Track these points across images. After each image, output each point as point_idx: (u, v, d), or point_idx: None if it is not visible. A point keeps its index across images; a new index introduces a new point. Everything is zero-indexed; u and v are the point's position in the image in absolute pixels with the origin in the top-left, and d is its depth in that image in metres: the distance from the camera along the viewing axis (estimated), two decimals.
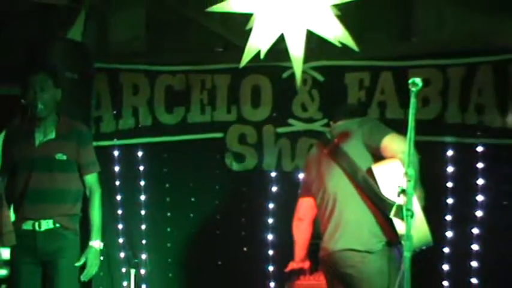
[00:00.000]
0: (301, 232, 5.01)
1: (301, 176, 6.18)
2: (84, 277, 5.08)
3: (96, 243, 5.14)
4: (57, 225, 5.05)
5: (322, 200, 4.84)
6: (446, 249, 6.27)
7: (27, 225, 5.04)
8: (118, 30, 7.08)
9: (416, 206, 4.16)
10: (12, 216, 5.26)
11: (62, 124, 5.17)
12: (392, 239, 4.44)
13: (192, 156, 6.98)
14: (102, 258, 5.84)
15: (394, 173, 4.36)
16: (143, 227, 6.92)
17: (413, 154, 4.01)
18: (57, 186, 5.08)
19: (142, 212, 6.92)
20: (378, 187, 4.50)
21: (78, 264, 5.05)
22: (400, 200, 3.96)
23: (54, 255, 5.03)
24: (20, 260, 5.05)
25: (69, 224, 5.09)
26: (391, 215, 4.21)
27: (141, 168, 6.97)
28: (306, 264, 5.00)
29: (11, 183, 5.17)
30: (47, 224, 5.03)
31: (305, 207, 5.04)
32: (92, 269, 5.10)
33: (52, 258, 5.03)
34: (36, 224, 5.02)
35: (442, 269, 6.36)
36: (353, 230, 4.61)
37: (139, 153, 6.95)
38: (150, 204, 6.98)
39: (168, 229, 6.99)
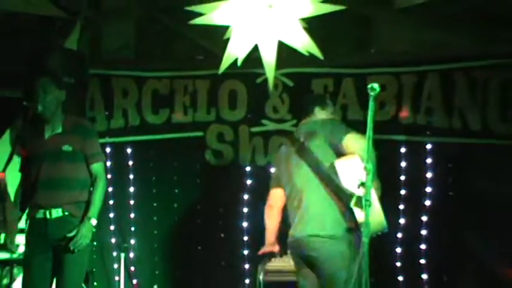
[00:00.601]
0: (271, 219, 5.08)
1: (272, 169, 6.21)
2: (72, 245, 4.91)
3: (92, 220, 5.03)
4: (66, 213, 4.99)
5: (291, 192, 4.89)
6: (399, 234, 6.46)
7: (40, 214, 4.99)
8: (110, 40, 7.13)
9: (374, 197, 4.24)
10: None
11: (68, 121, 5.14)
12: (353, 226, 4.49)
13: (176, 153, 7.09)
14: (95, 243, 5.95)
15: (354, 168, 4.41)
16: (132, 215, 7.03)
17: (371, 151, 4.06)
18: (65, 175, 5.03)
19: (131, 202, 7.02)
20: (340, 180, 4.53)
21: (69, 235, 4.92)
22: (360, 192, 4.05)
23: (64, 241, 4.93)
24: (33, 246, 5.03)
25: (76, 211, 5.02)
26: (351, 204, 4.32)
27: (130, 163, 7.07)
28: (276, 248, 5.06)
29: (25, 176, 5.17)
30: (56, 213, 4.98)
31: (275, 198, 5.07)
32: (82, 240, 4.94)
33: (61, 243, 4.94)
34: (47, 212, 4.97)
35: (396, 252, 6.53)
36: (317, 218, 4.66)
37: (129, 150, 7.06)
38: (138, 195, 7.07)
39: (154, 218, 7.07)
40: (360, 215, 4.26)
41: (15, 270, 6.09)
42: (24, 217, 5.28)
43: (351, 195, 4.39)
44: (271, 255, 5.24)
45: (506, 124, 6.46)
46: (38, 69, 5.94)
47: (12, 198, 5.26)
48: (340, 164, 4.59)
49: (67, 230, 4.93)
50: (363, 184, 4.01)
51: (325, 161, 4.72)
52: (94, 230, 5.07)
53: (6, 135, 6.70)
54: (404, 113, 6.70)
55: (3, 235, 5.96)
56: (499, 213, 6.22)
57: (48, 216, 4.96)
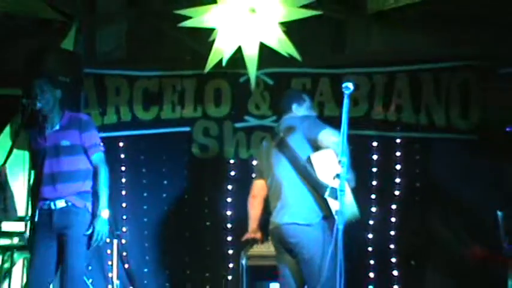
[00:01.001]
0: (254, 208, 5.17)
1: (254, 162, 6.33)
2: (94, 243, 4.99)
3: (103, 213, 5.05)
4: (69, 203, 5.01)
5: (271, 183, 4.95)
6: (371, 222, 6.61)
7: (45, 205, 5.03)
8: (103, 42, 7.19)
9: (347, 188, 4.29)
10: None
11: (65, 117, 5.14)
12: (328, 214, 4.56)
13: (165, 146, 7.14)
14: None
15: (329, 161, 4.54)
16: (124, 204, 7.07)
17: (345, 145, 4.19)
18: (66, 168, 5.05)
19: (123, 192, 7.07)
20: (315, 172, 4.63)
21: (87, 233, 4.96)
22: (336, 183, 4.18)
23: (67, 229, 4.98)
24: (39, 234, 5.07)
25: (79, 202, 5.03)
26: (326, 195, 4.43)
27: (122, 156, 7.11)
28: (258, 235, 5.16)
29: (34, 172, 5.25)
30: (60, 203, 5.00)
31: (258, 188, 5.14)
32: (99, 236, 5.01)
33: (65, 232, 4.99)
34: (52, 203, 5.00)
35: (368, 237, 6.66)
36: (296, 207, 4.74)
37: (121, 144, 7.10)
38: (129, 185, 7.11)
39: (145, 207, 7.10)
40: (333, 204, 4.40)
41: (15, 255, 6.15)
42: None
43: (326, 187, 4.43)
44: (253, 241, 5.35)
45: (467, 120, 6.60)
46: (36, 68, 5.97)
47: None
48: (315, 158, 4.68)
49: (70, 220, 4.98)
50: (338, 176, 4.14)
51: (302, 155, 4.79)
52: (107, 221, 5.07)
53: (7, 130, 6.70)
54: (377, 110, 6.80)
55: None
56: (461, 202, 6.37)
57: (53, 207, 5.00)
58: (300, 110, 5.13)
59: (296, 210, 4.74)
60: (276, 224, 4.83)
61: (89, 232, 4.97)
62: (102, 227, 5.04)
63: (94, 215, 5.04)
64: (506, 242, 5.64)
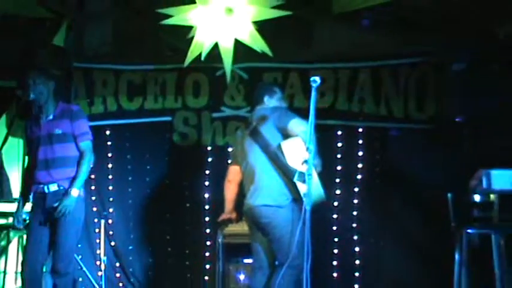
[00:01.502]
0: (230, 191, 5.31)
1: (230, 149, 6.46)
2: (56, 214, 4.94)
3: (73, 191, 5.01)
4: (61, 187, 5.06)
5: (245, 168, 5.06)
6: (335, 203, 6.74)
7: (39, 189, 5.09)
8: (91, 38, 7.15)
9: (314, 172, 4.44)
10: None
11: (59, 107, 5.19)
12: (297, 197, 4.70)
13: (148, 135, 7.19)
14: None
15: (297, 148, 4.65)
16: (110, 188, 7.18)
17: (313, 133, 4.32)
18: (58, 155, 5.09)
19: (110, 177, 7.17)
20: (285, 159, 4.76)
21: (54, 205, 4.94)
22: (304, 168, 4.33)
23: (54, 208, 5.00)
24: (34, 216, 5.12)
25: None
26: (294, 179, 4.59)
27: (109, 143, 7.19)
28: (234, 215, 5.32)
29: (29, 158, 5.29)
30: (53, 187, 5.06)
31: (233, 173, 5.27)
32: (63, 209, 4.94)
33: (57, 214, 5.00)
34: (46, 187, 5.06)
35: (333, 217, 6.80)
36: (267, 190, 4.84)
37: (107, 132, 7.17)
38: (115, 170, 7.20)
39: (129, 189, 7.19)
40: (301, 187, 4.54)
41: (11, 234, 6.28)
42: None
43: (294, 171, 4.59)
44: (229, 221, 5.52)
45: (422, 111, 6.75)
46: (30, 62, 6.13)
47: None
48: (285, 145, 4.80)
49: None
50: (306, 161, 4.29)
51: (273, 142, 4.88)
52: (76, 198, 5.03)
53: (3, 119, 6.77)
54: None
55: None
56: (416, 185, 6.50)
57: (46, 190, 5.07)
58: (272, 102, 5.19)
59: (267, 193, 4.83)
60: (250, 205, 4.93)
61: (56, 205, 4.98)
62: (68, 202, 5.01)
63: (67, 193, 5.02)
64: (454, 221, 5.73)
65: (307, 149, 4.30)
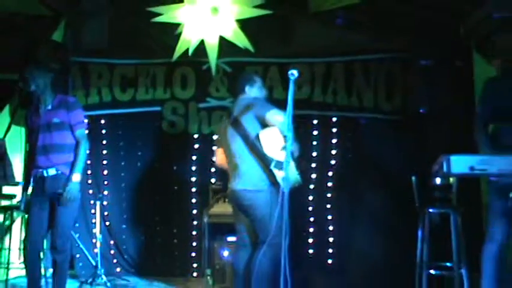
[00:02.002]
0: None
1: (215, 137, 6.49)
2: (63, 200, 5.00)
3: (74, 177, 5.07)
4: (59, 171, 5.11)
5: (228, 155, 5.11)
6: (311, 186, 6.86)
7: (39, 173, 5.13)
8: (87, 34, 7.02)
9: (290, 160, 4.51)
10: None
11: (57, 98, 5.22)
12: (274, 182, 4.74)
13: (139, 123, 7.27)
14: None
15: (274, 137, 4.73)
16: (105, 172, 7.30)
17: (291, 122, 4.36)
18: (56, 141, 5.13)
19: (104, 162, 7.29)
20: (263, 148, 4.79)
21: (59, 191, 4.98)
22: (281, 155, 4.42)
23: (57, 193, 5.06)
24: (35, 197, 5.15)
25: (66, 170, 5.12)
26: (271, 167, 4.67)
27: (103, 131, 7.30)
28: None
29: (29, 145, 5.26)
30: (52, 171, 5.11)
31: (220, 157, 5.28)
32: (68, 194, 5.02)
33: (56, 196, 5.07)
34: (45, 171, 5.10)
35: (309, 199, 6.91)
36: (247, 176, 4.90)
37: (102, 121, 7.27)
38: (109, 156, 7.30)
39: (122, 174, 7.31)
40: (278, 174, 4.62)
41: (14, 214, 6.40)
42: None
43: (271, 160, 4.68)
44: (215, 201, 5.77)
45: (390, 103, 6.88)
46: (31, 57, 6.11)
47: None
48: (263, 135, 4.84)
49: (60, 185, 5.06)
50: (284, 148, 4.35)
51: (252, 132, 4.91)
52: (78, 183, 5.09)
53: (6, 109, 6.80)
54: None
55: None
56: (384, 169, 6.62)
57: (45, 174, 5.11)
58: (252, 91, 5.21)
59: (248, 179, 4.90)
60: (232, 189, 5.01)
61: (62, 191, 5.03)
62: (72, 187, 5.08)
63: (69, 179, 5.08)
64: (418, 201, 5.92)
65: (285, 137, 4.35)
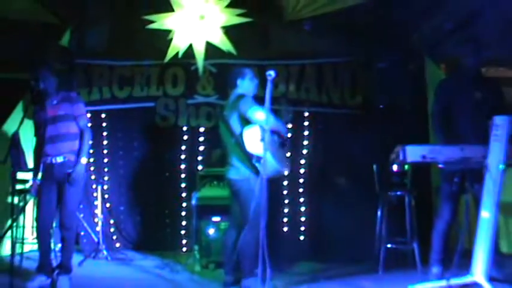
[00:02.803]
0: None
1: (201, 129, 6.89)
2: (71, 179, 5.06)
3: (82, 160, 5.16)
4: (66, 159, 5.17)
5: (224, 148, 5.15)
6: (285, 172, 6.33)
7: (48, 160, 5.19)
8: (90, 39, 7.28)
9: (268, 154, 4.61)
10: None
11: (60, 95, 5.28)
12: (256, 172, 4.79)
13: (135, 117, 7.29)
14: None
15: (255, 135, 4.79)
16: (105, 160, 7.30)
17: (270, 116, 4.56)
18: (61, 131, 5.20)
19: (105, 151, 7.29)
20: (245, 145, 4.82)
21: (68, 171, 5.05)
22: (261, 145, 4.54)
23: (64, 178, 5.14)
24: (44, 182, 5.22)
25: (72, 157, 5.18)
26: (253, 161, 4.80)
27: (104, 124, 7.28)
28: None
29: (38, 137, 5.32)
30: (60, 159, 5.18)
31: None
32: (76, 175, 5.09)
33: (63, 181, 5.14)
34: (53, 159, 5.17)
35: (283, 184, 7.05)
36: (235, 167, 4.96)
37: (103, 115, 7.26)
38: (109, 146, 7.29)
39: (120, 162, 7.32)
40: (259, 167, 4.70)
41: (27, 197, 6.39)
42: None
43: (252, 155, 4.79)
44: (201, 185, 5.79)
45: (355, 100, 7.02)
46: (41, 59, 6.11)
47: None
48: (246, 134, 4.87)
49: (67, 171, 5.14)
50: (262, 139, 4.54)
51: (237, 130, 4.94)
52: (84, 165, 5.22)
53: (20, 105, 6.83)
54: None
55: None
56: (349, 157, 6.68)
57: (53, 161, 5.18)
58: (244, 83, 5.15)
59: (235, 169, 4.98)
60: (226, 177, 5.08)
61: (70, 171, 5.12)
62: (80, 169, 5.18)
63: (76, 162, 5.16)
64: (378, 186, 6.11)
65: (264, 129, 4.49)
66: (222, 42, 6.55)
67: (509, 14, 5.52)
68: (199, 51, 6.63)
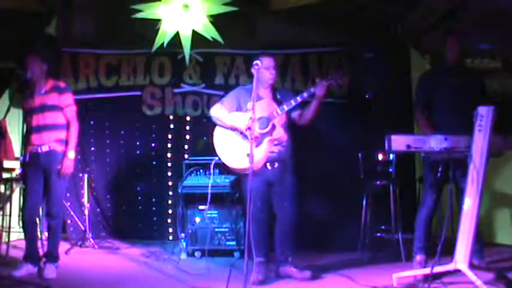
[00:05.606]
0: None
1: (188, 118, 6.90)
2: (61, 175, 5.13)
3: (69, 154, 5.20)
4: (51, 148, 5.21)
5: None
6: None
7: (34, 149, 5.21)
8: (77, 28, 7.22)
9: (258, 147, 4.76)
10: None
11: (49, 84, 5.29)
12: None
13: (122, 106, 7.24)
14: None
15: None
16: (92, 149, 7.23)
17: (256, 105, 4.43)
18: (48, 121, 5.20)
19: (92, 140, 7.21)
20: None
21: (58, 167, 5.10)
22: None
23: (50, 167, 5.18)
24: (30, 171, 5.23)
25: (58, 147, 5.21)
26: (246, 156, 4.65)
27: (91, 113, 7.16)
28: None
29: (26, 125, 5.28)
30: (45, 148, 5.20)
31: None
32: (65, 169, 5.15)
33: (49, 169, 5.18)
34: (39, 148, 5.19)
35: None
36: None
37: (90, 104, 7.13)
38: (96, 135, 7.24)
39: (107, 150, 7.25)
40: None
41: (14, 185, 6.41)
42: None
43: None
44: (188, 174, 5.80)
45: (341, 89, 6.88)
46: (28, 48, 6.03)
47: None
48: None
49: (52, 160, 5.17)
50: (249, 128, 4.57)
51: None
52: (73, 160, 5.23)
53: (6, 94, 6.79)
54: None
55: None
56: (335, 146, 6.58)
57: (39, 150, 5.20)
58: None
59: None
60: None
61: (59, 167, 5.16)
62: (68, 163, 5.21)
63: (64, 154, 5.20)
64: (363, 174, 6.16)
65: (250, 118, 4.45)
66: (208, 31, 6.45)
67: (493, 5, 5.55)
68: (186, 40, 6.55)
